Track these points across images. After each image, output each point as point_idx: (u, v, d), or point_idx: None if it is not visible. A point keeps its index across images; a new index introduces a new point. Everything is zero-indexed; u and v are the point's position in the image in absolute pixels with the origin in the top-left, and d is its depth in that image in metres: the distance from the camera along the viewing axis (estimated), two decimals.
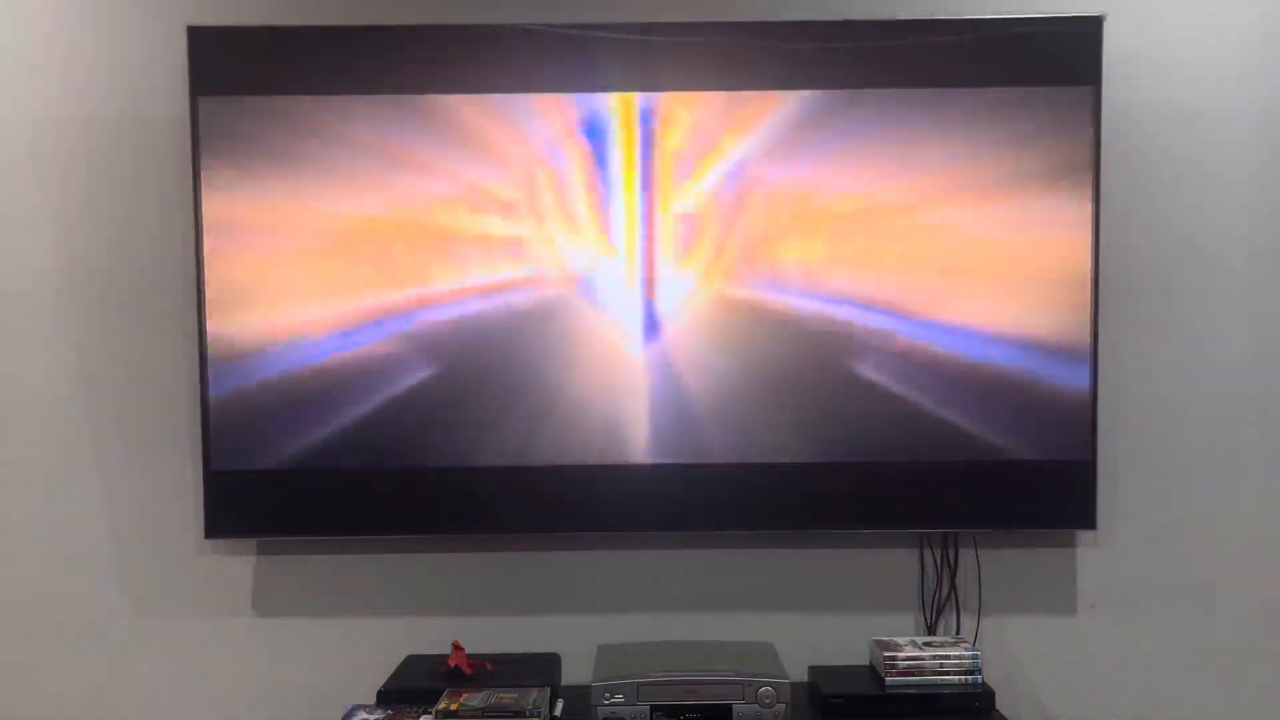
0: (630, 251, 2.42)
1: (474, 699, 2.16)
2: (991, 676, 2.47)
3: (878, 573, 2.57)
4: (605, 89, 2.39)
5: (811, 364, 2.43)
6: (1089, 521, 2.46)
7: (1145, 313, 2.53)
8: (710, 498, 2.45)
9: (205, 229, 2.39)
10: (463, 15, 2.48)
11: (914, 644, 2.37)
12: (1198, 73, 2.51)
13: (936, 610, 2.56)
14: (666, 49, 2.40)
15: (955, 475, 2.44)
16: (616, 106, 2.40)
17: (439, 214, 2.41)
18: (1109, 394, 2.50)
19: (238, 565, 2.56)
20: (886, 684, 2.30)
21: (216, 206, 2.39)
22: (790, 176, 2.40)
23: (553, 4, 2.49)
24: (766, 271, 2.42)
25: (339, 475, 2.43)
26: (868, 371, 2.43)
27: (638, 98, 2.39)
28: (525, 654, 2.46)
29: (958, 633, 2.55)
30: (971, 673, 2.31)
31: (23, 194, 2.51)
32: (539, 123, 2.40)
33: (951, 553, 2.55)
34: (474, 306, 2.42)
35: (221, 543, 2.54)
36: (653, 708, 2.18)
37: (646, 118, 2.40)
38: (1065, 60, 2.39)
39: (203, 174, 2.38)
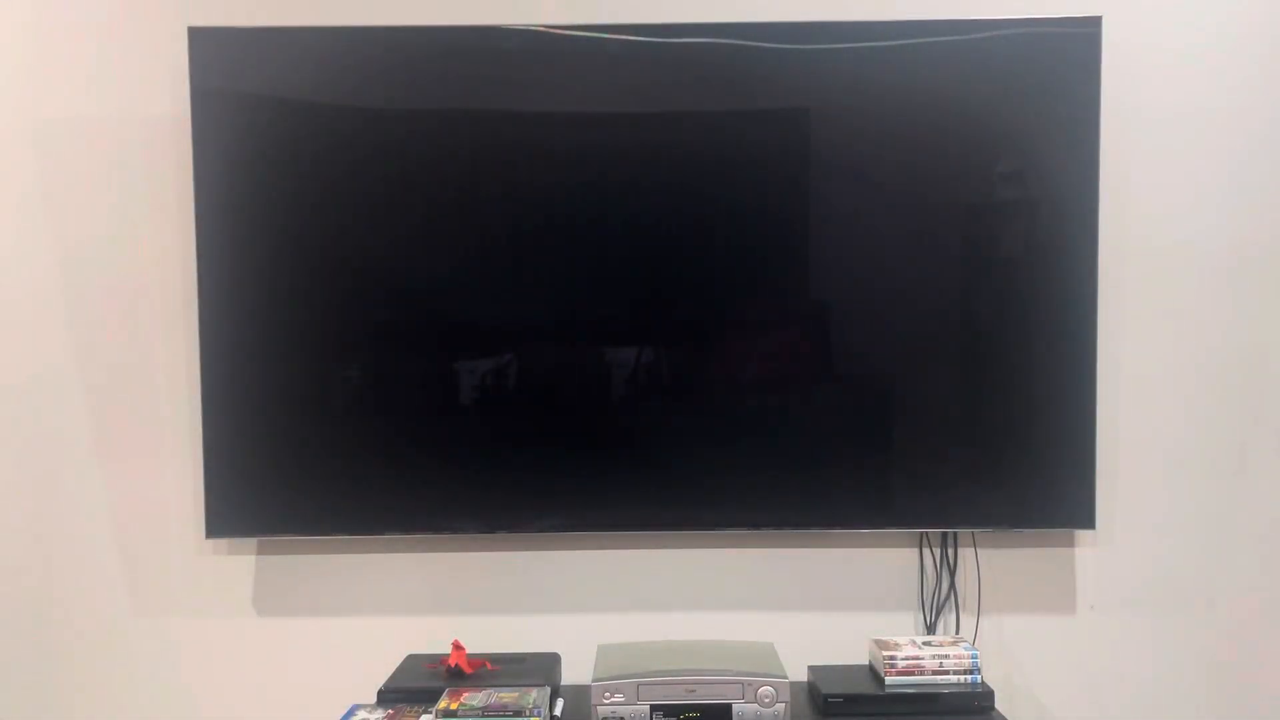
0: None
1: (474, 698, 2.16)
2: (991, 676, 2.47)
3: (878, 573, 2.57)
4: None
5: (805, 359, 2.44)
6: (1088, 521, 2.46)
7: (1145, 312, 2.53)
8: (709, 496, 2.45)
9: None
10: (465, 16, 2.48)
11: (914, 643, 2.37)
12: (1198, 73, 2.51)
13: (936, 610, 2.56)
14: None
15: (955, 475, 2.45)
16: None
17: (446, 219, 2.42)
18: (1109, 394, 2.50)
19: (238, 565, 2.56)
20: (886, 683, 2.30)
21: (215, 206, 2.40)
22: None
23: (551, 6, 2.50)
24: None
25: (339, 475, 2.43)
26: (863, 366, 2.44)
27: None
28: (525, 654, 2.45)
29: (957, 632, 2.55)
30: (971, 672, 2.31)
31: (23, 194, 2.51)
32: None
33: (951, 552, 2.55)
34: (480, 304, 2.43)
35: (222, 543, 2.54)
36: (653, 707, 2.19)
37: None
38: (1065, 60, 2.39)
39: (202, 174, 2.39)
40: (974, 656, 2.32)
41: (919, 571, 2.57)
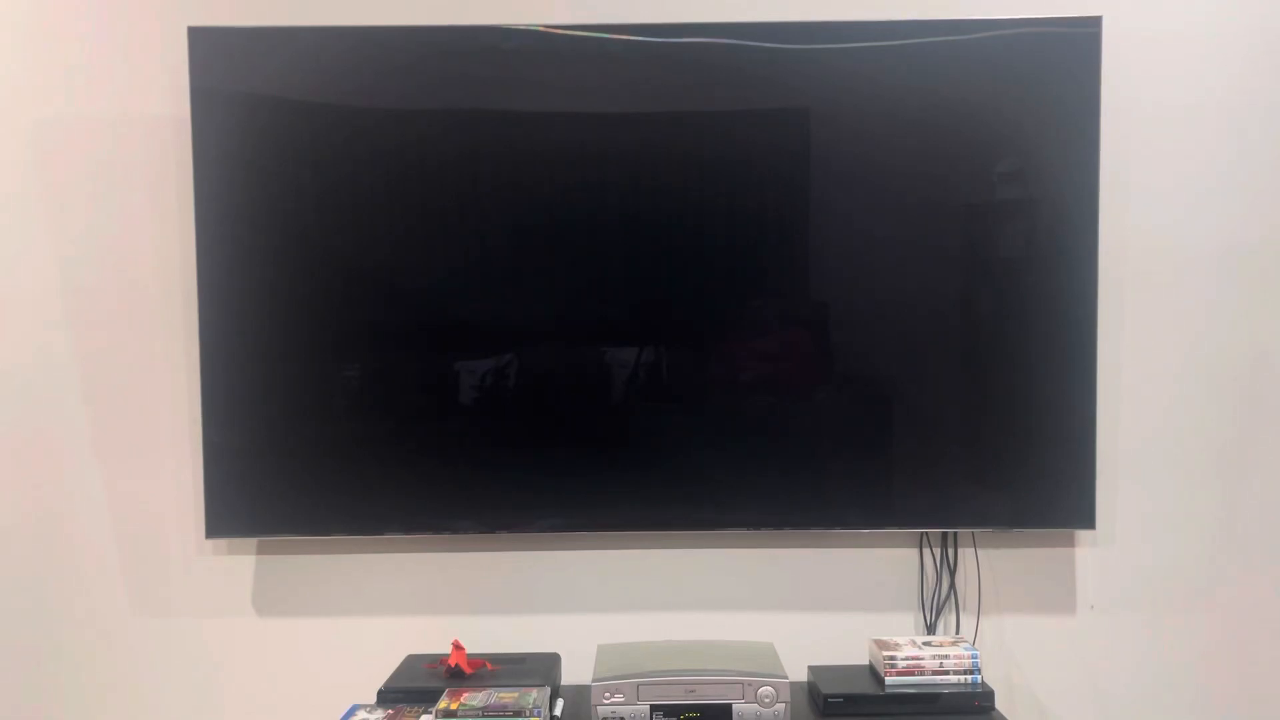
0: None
1: (474, 699, 2.16)
2: (991, 676, 2.48)
3: (878, 573, 2.57)
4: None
5: (805, 359, 2.44)
6: (1088, 521, 2.46)
7: (1145, 312, 2.53)
8: (709, 496, 2.45)
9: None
10: (465, 16, 2.48)
11: (914, 643, 2.37)
12: (1197, 72, 2.51)
13: (936, 610, 2.56)
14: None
15: (955, 475, 2.45)
16: None
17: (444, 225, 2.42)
18: (1109, 394, 2.50)
19: (238, 565, 2.56)
20: (886, 684, 2.30)
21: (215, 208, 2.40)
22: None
23: (551, 6, 2.50)
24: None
25: (339, 475, 2.43)
26: (863, 366, 2.45)
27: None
28: (525, 654, 2.45)
29: (957, 632, 2.55)
30: (971, 672, 2.31)
31: (22, 194, 2.51)
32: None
33: (951, 552, 2.55)
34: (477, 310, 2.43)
35: (222, 543, 2.55)
36: (653, 707, 2.18)
37: None
38: (1065, 60, 2.39)
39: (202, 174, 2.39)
40: (974, 656, 2.32)
41: (919, 571, 2.57)
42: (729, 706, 2.18)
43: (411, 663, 2.43)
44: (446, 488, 2.45)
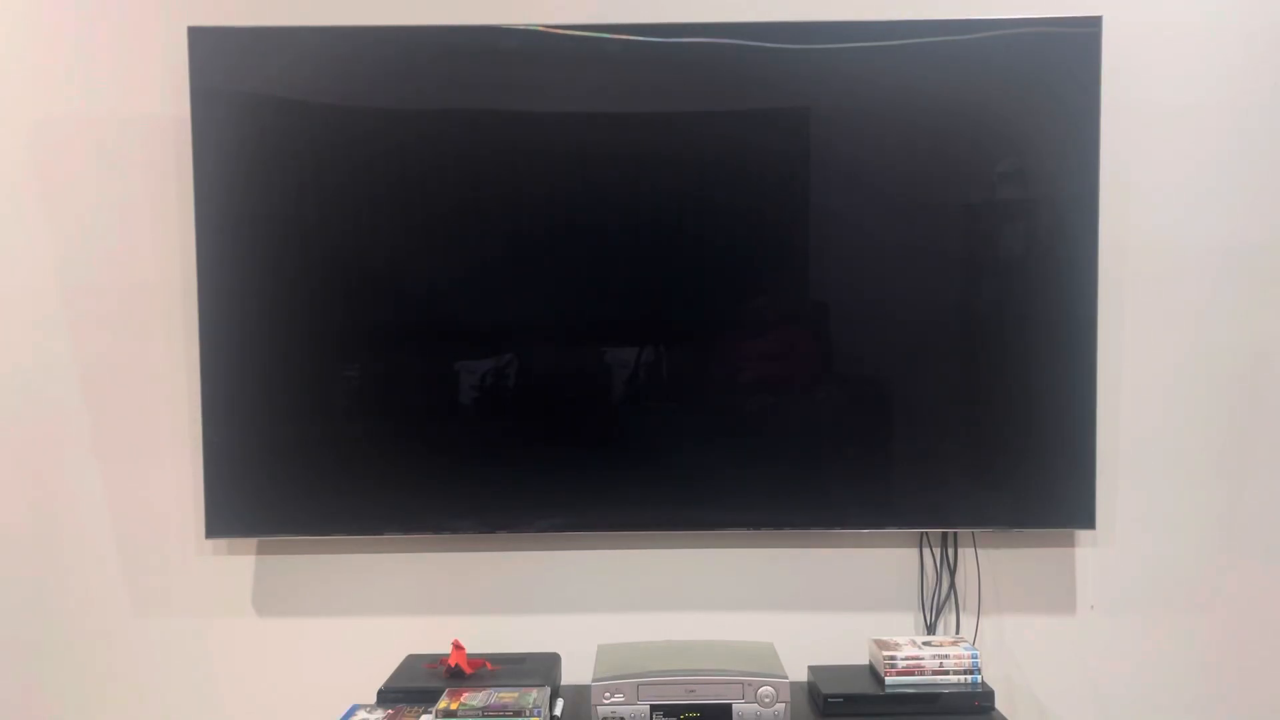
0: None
1: (474, 698, 2.16)
2: (991, 676, 2.48)
3: (878, 573, 2.57)
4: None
5: (805, 359, 2.44)
6: (1088, 521, 2.46)
7: (1145, 312, 2.53)
8: (709, 496, 2.45)
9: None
10: (465, 16, 2.48)
11: (914, 643, 2.37)
12: (1198, 72, 2.51)
13: (936, 610, 2.56)
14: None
15: (955, 475, 2.45)
16: None
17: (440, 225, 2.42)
18: (1109, 394, 2.50)
19: (238, 565, 2.56)
20: (886, 683, 2.30)
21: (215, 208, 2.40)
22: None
23: (551, 6, 2.50)
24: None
25: (339, 475, 2.43)
26: (864, 366, 2.45)
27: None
28: (525, 654, 2.46)
29: (957, 632, 2.55)
30: (971, 672, 2.31)
31: (22, 194, 2.51)
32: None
33: (951, 552, 2.55)
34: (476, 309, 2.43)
35: (222, 543, 2.55)
36: (652, 707, 2.18)
37: None
38: (1065, 60, 2.39)
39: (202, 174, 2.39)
40: (974, 656, 2.32)
41: (919, 571, 2.57)
42: (729, 706, 2.18)
43: (411, 663, 2.43)
44: (446, 488, 2.46)
